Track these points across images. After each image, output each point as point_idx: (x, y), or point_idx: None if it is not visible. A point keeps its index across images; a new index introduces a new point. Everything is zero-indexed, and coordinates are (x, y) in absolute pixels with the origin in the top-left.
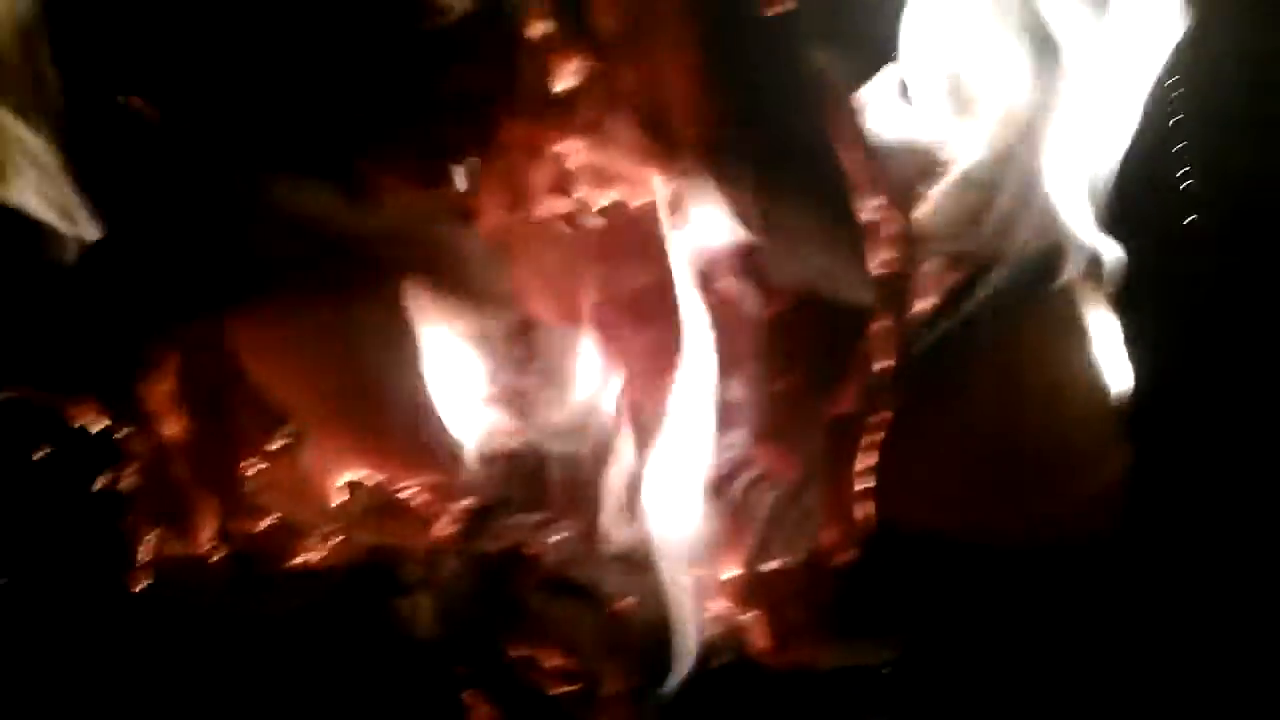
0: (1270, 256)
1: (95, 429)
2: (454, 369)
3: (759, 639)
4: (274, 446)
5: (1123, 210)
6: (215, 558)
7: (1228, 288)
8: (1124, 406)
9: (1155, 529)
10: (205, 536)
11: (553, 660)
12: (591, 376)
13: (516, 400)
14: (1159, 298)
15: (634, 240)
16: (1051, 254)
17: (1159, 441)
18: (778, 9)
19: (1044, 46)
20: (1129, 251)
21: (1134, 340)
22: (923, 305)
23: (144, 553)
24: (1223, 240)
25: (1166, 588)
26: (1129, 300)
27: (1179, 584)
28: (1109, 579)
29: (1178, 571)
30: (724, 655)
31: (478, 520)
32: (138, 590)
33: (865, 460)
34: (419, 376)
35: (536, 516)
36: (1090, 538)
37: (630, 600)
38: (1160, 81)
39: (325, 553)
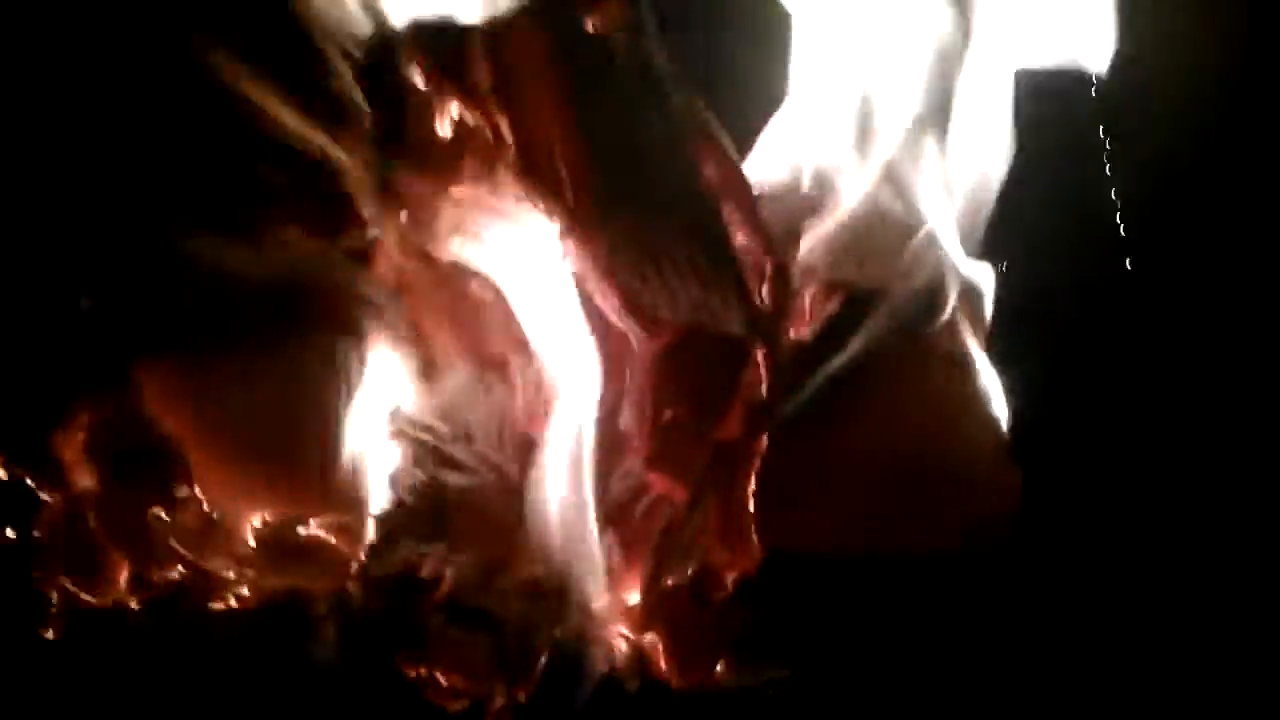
0: (1145, 278)
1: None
2: (357, 409)
3: (660, 660)
4: (183, 495)
5: (997, 242)
6: (130, 605)
7: (1102, 311)
8: (1007, 429)
9: (1043, 544)
10: (118, 586)
11: (448, 679)
12: (489, 410)
13: (418, 436)
14: (1037, 322)
15: (523, 280)
16: (933, 285)
17: (1043, 461)
18: (652, 57)
19: (922, 85)
20: (1009, 279)
21: (1014, 365)
22: (806, 334)
23: (55, 603)
24: (1094, 265)
25: (1057, 602)
26: (1008, 327)
27: (1068, 597)
28: (998, 595)
29: (1067, 584)
30: (627, 677)
31: (378, 550)
32: (50, 639)
33: (751, 483)
34: (324, 417)
35: (435, 546)
36: (978, 554)
37: (528, 624)
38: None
39: (237, 595)
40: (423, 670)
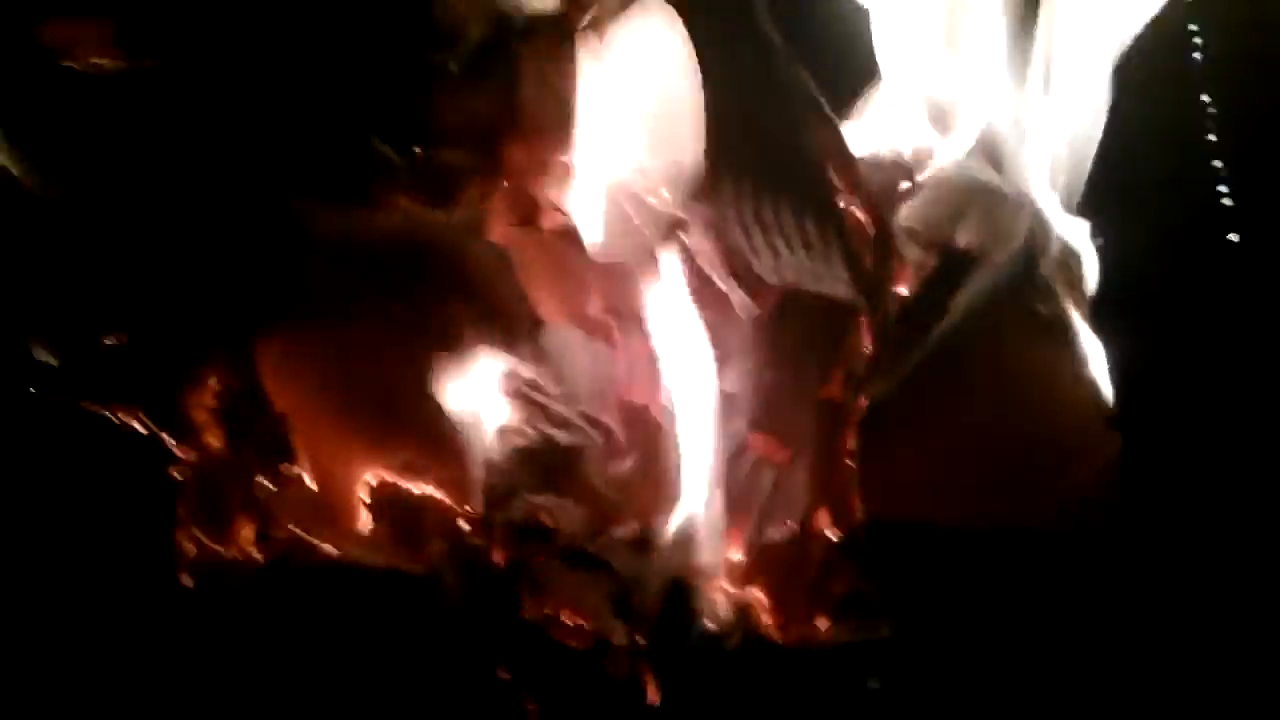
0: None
1: (144, 435)
2: (471, 368)
3: (763, 615)
4: (289, 472)
5: (1099, 209)
6: (254, 557)
7: (1206, 281)
8: (1108, 399)
9: (1142, 518)
10: (245, 538)
11: (569, 620)
12: (598, 371)
13: (529, 394)
14: (1140, 291)
15: (634, 245)
16: (1030, 248)
17: (1144, 432)
18: (762, 30)
19: (1015, 56)
20: (1106, 248)
21: (1117, 333)
22: (906, 297)
23: (188, 552)
24: (1196, 238)
25: (1155, 576)
26: (1111, 295)
27: (1167, 573)
28: (1099, 567)
29: (1166, 560)
30: (732, 631)
31: (497, 501)
32: (184, 585)
33: (850, 444)
34: (438, 377)
35: (546, 498)
36: (1081, 525)
37: (639, 573)
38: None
39: (354, 547)
40: (547, 611)
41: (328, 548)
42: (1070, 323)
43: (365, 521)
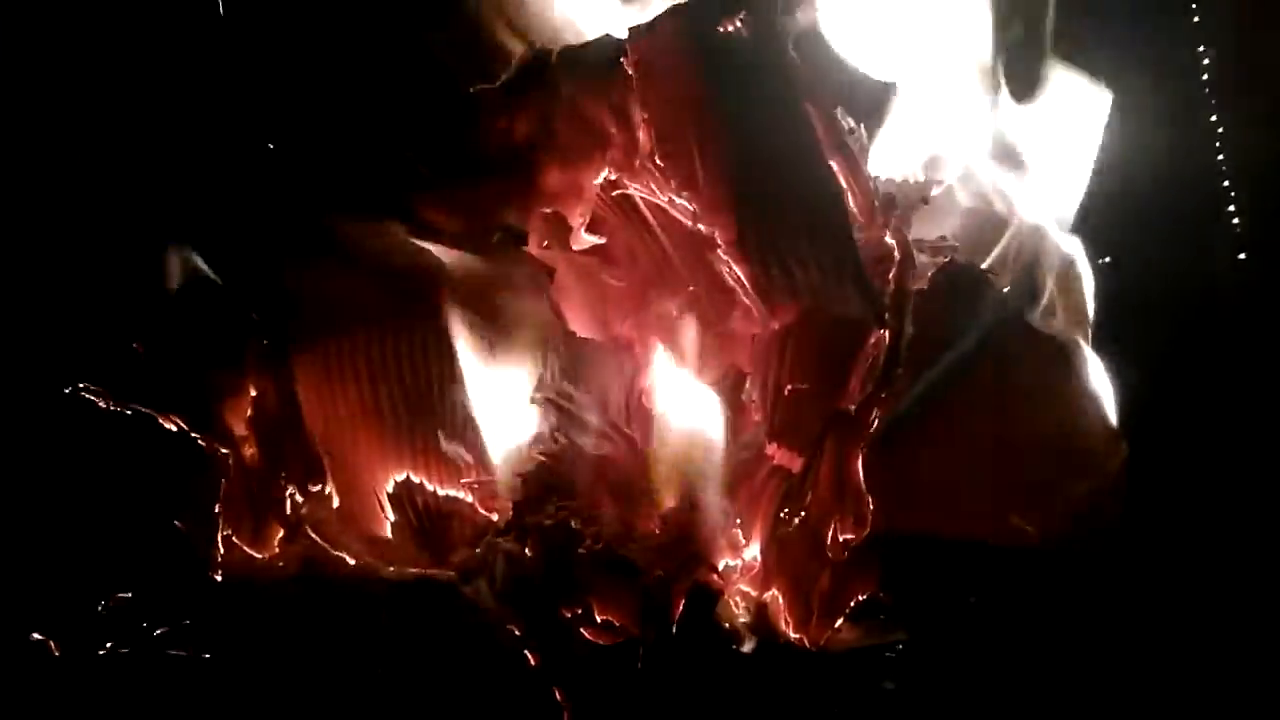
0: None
1: (182, 439)
2: (504, 380)
3: (779, 620)
4: (316, 489)
5: (1106, 230)
6: (283, 559)
7: (1213, 298)
8: (1116, 412)
9: (1152, 526)
10: (274, 540)
11: (600, 617)
12: (621, 384)
13: (560, 403)
14: (1146, 308)
15: (658, 263)
16: (1030, 267)
17: (1153, 442)
18: (783, 62)
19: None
20: (1113, 268)
21: (1123, 349)
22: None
23: (220, 549)
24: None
25: (1166, 583)
26: (1117, 313)
27: (1178, 580)
28: (1108, 576)
29: (1177, 568)
30: (749, 634)
31: (530, 505)
32: (216, 580)
33: (860, 455)
34: (470, 386)
35: (575, 503)
36: (1091, 535)
37: (663, 574)
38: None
39: (385, 551)
40: (578, 610)
41: (348, 557)
42: (1074, 340)
43: (389, 525)
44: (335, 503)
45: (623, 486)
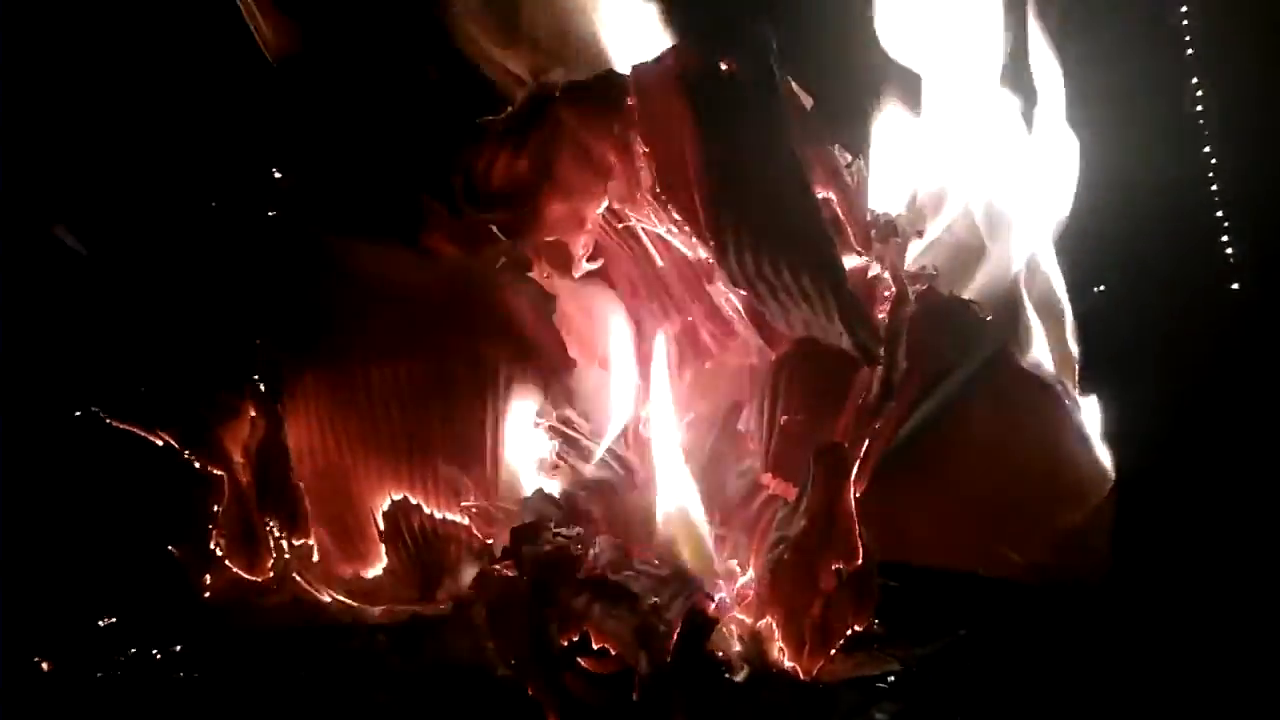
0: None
1: (177, 458)
2: (505, 405)
3: (773, 649)
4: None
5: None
6: (274, 583)
7: (1204, 330)
8: (1103, 443)
9: (1147, 559)
10: (266, 563)
11: (598, 645)
12: (623, 411)
13: (560, 429)
14: (1137, 341)
15: (658, 293)
16: (1010, 299)
17: (1146, 474)
18: (777, 98)
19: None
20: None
21: (1112, 383)
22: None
23: (212, 571)
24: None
25: (1162, 616)
26: (1107, 347)
27: (1174, 613)
28: (1097, 606)
29: (1174, 600)
30: (744, 663)
31: (528, 532)
32: (207, 601)
33: (850, 487)
34: (472, 412)
35: (573, 529)
36: (1079, 567)
37: (659, 601)
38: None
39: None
40: (574, 638)
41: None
42: (1059, 374)
43: (383, 550)
44: (315, 552)
45: (620, 514)
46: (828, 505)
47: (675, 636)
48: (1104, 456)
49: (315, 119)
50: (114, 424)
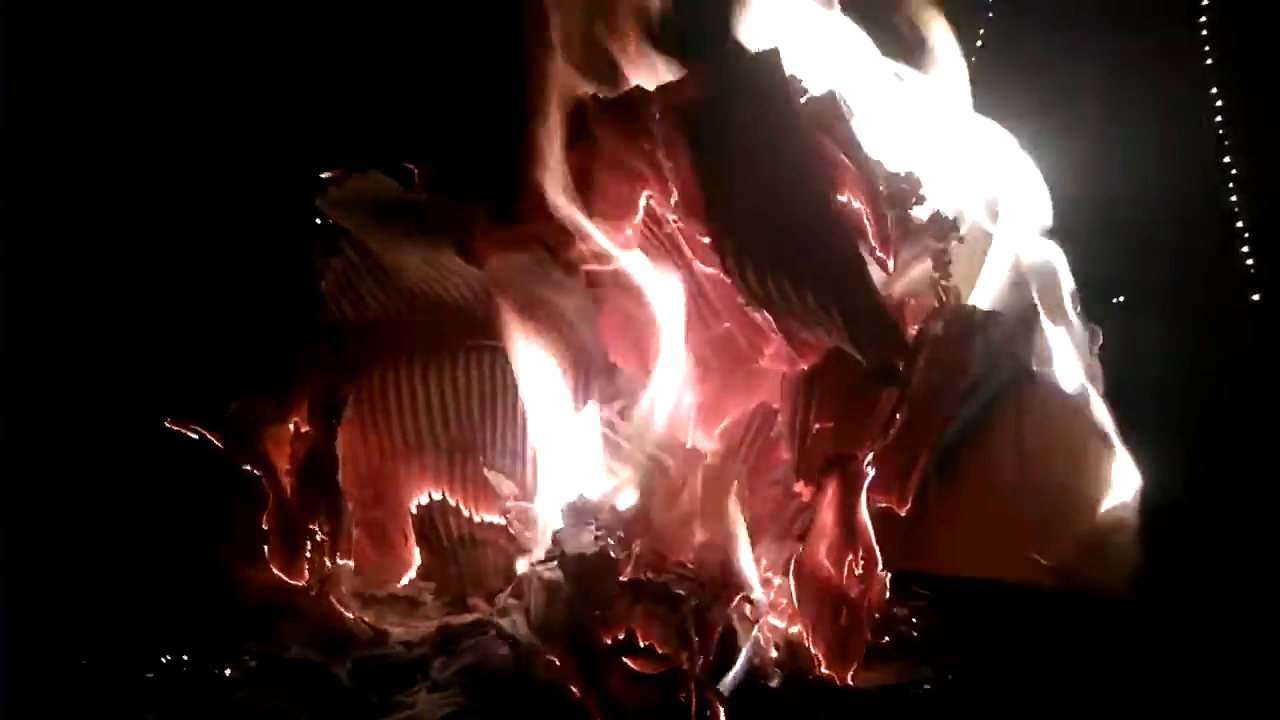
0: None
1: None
2: (547, 409)
3: (807, 654)
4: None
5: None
6: (316, 587)
7: (1224, 340)
8: (1125, 451)
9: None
10: (304, 568)
11: (644, 642)
12: (662, 414)
13: (603, 432)
14: (1157, 353)
15: (695, 301)
16: (1024, 306)
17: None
18: (796, 121)
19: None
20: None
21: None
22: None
23: (252, 573)
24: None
25: (1185, 628)
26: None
27: (1203, 617)
28: (1129, 619)
29: (1203, 603)
30: (776, 668)
31: (565, 535)
32: (245, 606)
33: (861, 496)
34: (513, 415)
35: (617, 533)
36: (1109, 575)
37: (699, 602)
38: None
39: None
40: (620, 636)
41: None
42: (1083, 385)
43: (420, 552)
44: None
45: (659, 517)
46: (845, 516)
47: (716, 638)
48: (1127, 464)
49: (371, 129)
50: (166, 424)
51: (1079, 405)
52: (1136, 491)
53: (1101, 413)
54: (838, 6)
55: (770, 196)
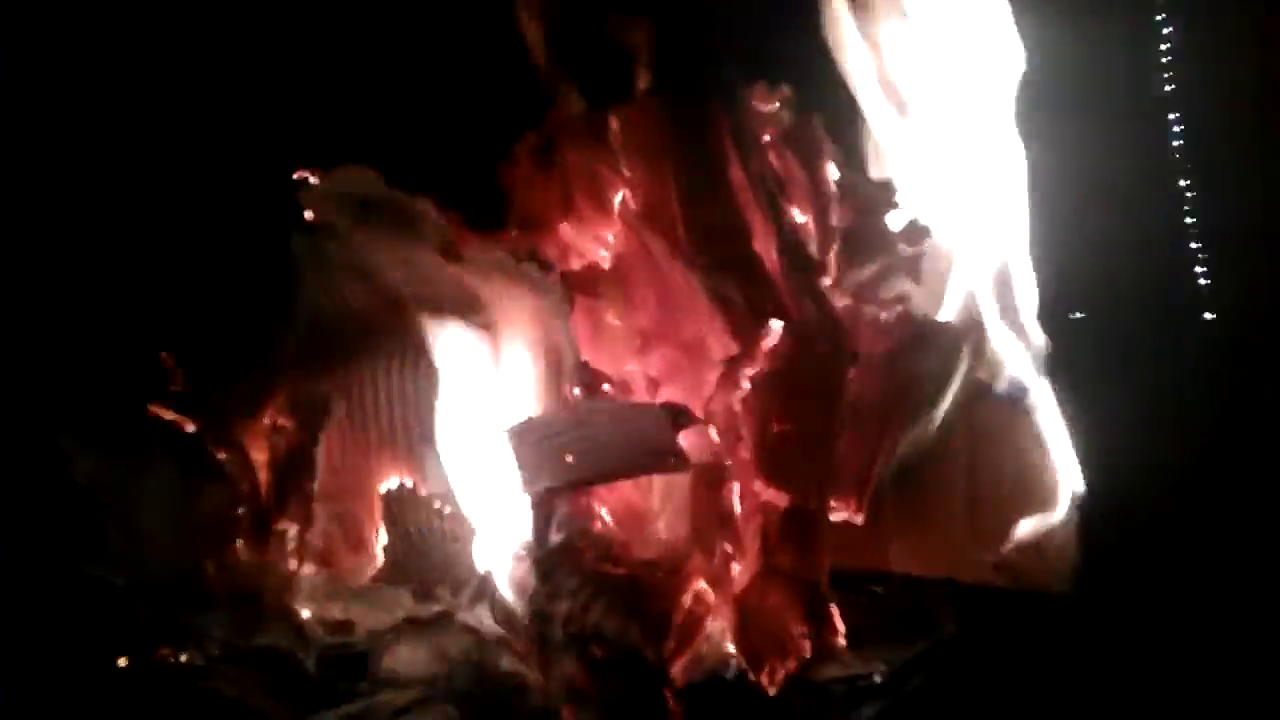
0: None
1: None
2: (513, 401)
3: (763, 649)
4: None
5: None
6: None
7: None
8: (1074, 455)
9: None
10: (282, 547)
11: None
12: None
13: (571, 433)
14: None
15: (667, 305)
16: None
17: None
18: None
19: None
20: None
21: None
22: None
23: (220, 562)
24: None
25: (1127, 624)
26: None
27: (1140, 623)
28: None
29: (1137, 611)
30: (729, 663)
31: (533, 529)
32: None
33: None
34: (477, 408)
35: (581, 524)
36: (1049, 573)
37: (662, 591)
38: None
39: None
40: (583, 627)
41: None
42: (1033, 395)
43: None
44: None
45: (623, 513)
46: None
47: (678, 630)
48: (1069, 470)
49: (352, 127)
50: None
51: (1026, 413)
52: (1078, 496)
53: (1048, 420)
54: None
55: (729, 198)
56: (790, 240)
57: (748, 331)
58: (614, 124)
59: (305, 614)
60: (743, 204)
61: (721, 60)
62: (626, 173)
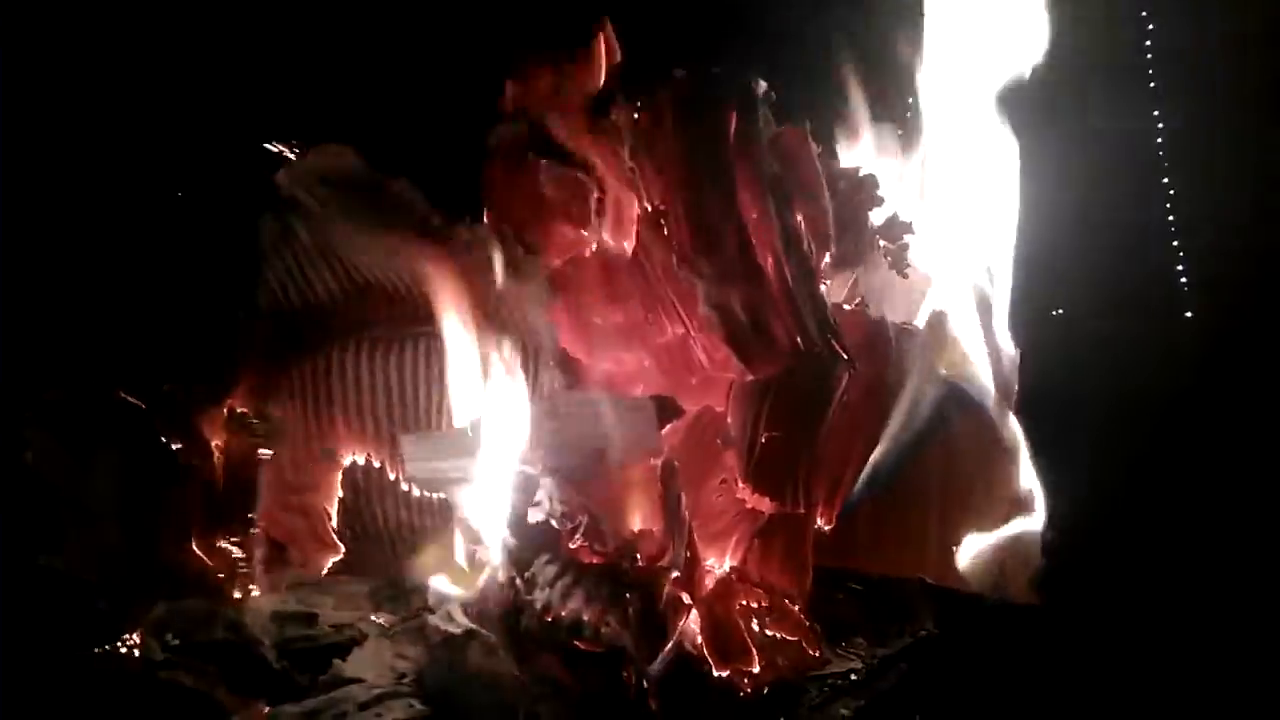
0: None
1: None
2: (495, 388)
3: (739, 645)
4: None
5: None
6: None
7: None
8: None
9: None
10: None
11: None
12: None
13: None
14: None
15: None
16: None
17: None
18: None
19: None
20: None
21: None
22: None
23: (180, 553)
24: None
25: (1096, 626)
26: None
27: (1108, 625)
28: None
29: (1106, 614)
30: (700, 660)
31: (511, 516)
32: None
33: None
34: (464, 400)
35: (561, 510)
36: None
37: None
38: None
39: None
40: (560, 617)
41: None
42: (1000, 401)
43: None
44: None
45: (604, 502)
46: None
47: (655, 622)
48: (1035, 477)
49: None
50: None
51: (993, 420)
52: (1043, 503)
53: (1015, 428)
54: None
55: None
56: (796, 248)
57: (744, 340)
58: (624, 129)
59: (266, 606)
60: (748, 212)
61: (734, 65)
62: (632, 164)
